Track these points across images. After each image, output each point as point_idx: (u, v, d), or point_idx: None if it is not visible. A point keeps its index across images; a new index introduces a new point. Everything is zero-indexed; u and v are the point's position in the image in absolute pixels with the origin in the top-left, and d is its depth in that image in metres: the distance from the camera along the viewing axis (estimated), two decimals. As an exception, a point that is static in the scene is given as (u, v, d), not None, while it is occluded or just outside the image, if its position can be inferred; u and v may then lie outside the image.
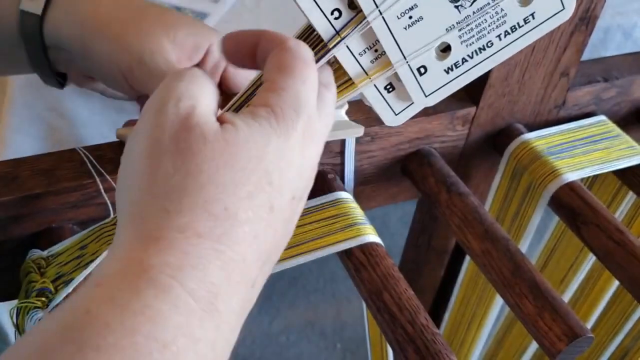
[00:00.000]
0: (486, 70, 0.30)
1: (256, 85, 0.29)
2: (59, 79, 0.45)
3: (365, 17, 0.27)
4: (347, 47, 0.28)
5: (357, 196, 0.56)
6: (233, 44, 0.29)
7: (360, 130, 0.47)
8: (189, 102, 0.24)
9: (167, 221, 0.22)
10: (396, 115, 0.31)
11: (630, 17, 0.90)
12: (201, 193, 0.23)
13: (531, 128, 0.59)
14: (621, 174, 0.57)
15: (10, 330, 0.39)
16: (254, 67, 0.29)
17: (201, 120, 0.24)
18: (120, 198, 0.25)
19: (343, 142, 0.51)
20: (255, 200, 0.24)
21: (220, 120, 0.25)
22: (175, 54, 0.40)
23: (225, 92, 0.43)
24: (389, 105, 0.31)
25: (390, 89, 0.30)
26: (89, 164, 0.44)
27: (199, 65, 0.42)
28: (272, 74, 0.26)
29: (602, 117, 0.61)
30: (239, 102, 0.29)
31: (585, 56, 0.58)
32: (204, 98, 0.25)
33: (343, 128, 0.46)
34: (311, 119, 0.26)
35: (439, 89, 0.30)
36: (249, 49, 0.28)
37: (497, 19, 0.28)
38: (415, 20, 0.27)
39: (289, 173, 0.25)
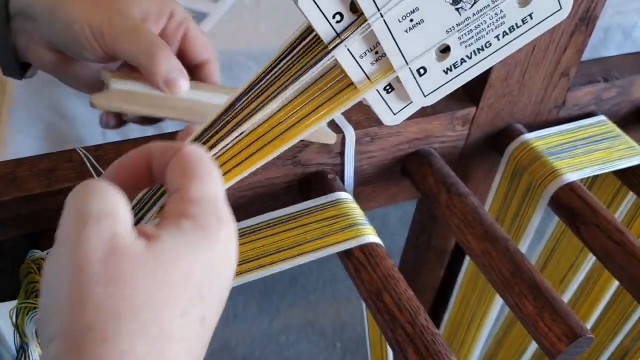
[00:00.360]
0: (484, 69, 0.30)
1: (157, 195, 0.29)
2: (20, 70, 0.45)
3: (366, 20, 0.27)
4: (349, 50, 0.28)
5: (357, 197, 0.56)
6: (125, 174, 0.28)
7: (332, 139, 0.48)
8: (109, 222, 0.23)
9: (107, 349, 0.22)
10: (395, 115, 0.31)
11: (630, 17, 0.90)
12: (138, 317, 0.22)
13: (531, 128, 0.59)
14: (621, 174, 0.57)
15: (8, 334, 0.39)
16: (149, 184, 0.29)
17: (128, 241, 0.23)
18: (46, 323, 0.23)
19: (343, 143, 0.51)
20: (189, 317, 0.24)
21: (145, 234, 0.24)
22: (141, 16, 0.42)
23: (182, 58, 0.44)
24: (388, 105, 0.31)
25: (390, 90, 0.30)
26: (88, 165, 0.44)
27: (164, 30, 0.43)
28: (180, 181, 0.26)
29: (603, 118, 0.61)
30: (141, 213, 0.29)
31: (586, 56, 0.58)
32: (121, 213, 0.24)
33: (316, 134, 0.46)
34: (229, 221, 0.26)
35: (438, 89, 0.30)
36: (143, 170, 0.28)
37: (497, 20, 0.28)
38: (417, 24, 0.27)
39: (218, 282, 0.25)
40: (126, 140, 0.48)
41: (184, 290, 0.24)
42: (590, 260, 0.64)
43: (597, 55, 0.88)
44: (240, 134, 0.30)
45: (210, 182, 0.26)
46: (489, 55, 0.29)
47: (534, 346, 0.74)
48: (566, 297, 0.69)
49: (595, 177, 0.64)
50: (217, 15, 0.81)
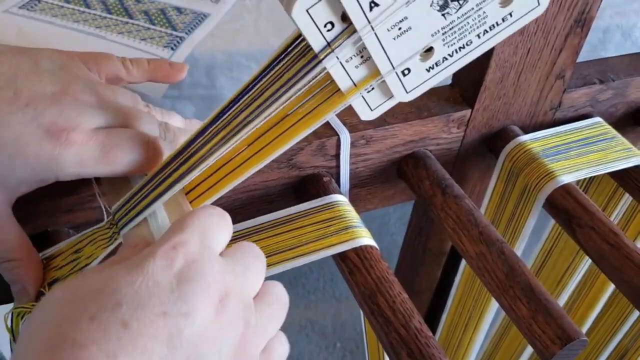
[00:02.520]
0: (464, 64, 0.31)
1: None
2: None
3: (355, 31, 0.27)
4: (337, 57, 0.28)
5: (353, 199, 0.57)
6: None
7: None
8: None
9: None
10: (372, 110, 0.32)
11: (629, 17, 0.90)
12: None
13: (527, 130, 0.59)
14: (617, 176, 0.57)
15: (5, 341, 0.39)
16: None
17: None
18: None
19: (338, 145, 0.51)
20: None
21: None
22: None
23: None
24: (366, 102, 0.31)
25: (370, 90, 0.31)
26: None
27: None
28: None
29: (598, 119, 0.61)
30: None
31: (584, 56, 0.58)
32: None
33: None
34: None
35: (419, 85, 0.31)
36: None
37: (479, 21, 0.29)
38: (404, 31, 0.28)
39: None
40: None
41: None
42: (587, 262, 0.65)
43: (596, 55, 0.88)
44: (228, 147, 0.30)
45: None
46: (469, 52, 0.31)
47: (530, 349, 0.75)
48: (563, 299, 0.69)
49: (591, 179, 0.64)
50: (217, 15, 0.82)
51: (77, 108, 0.34)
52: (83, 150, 0.33)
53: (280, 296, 0.30)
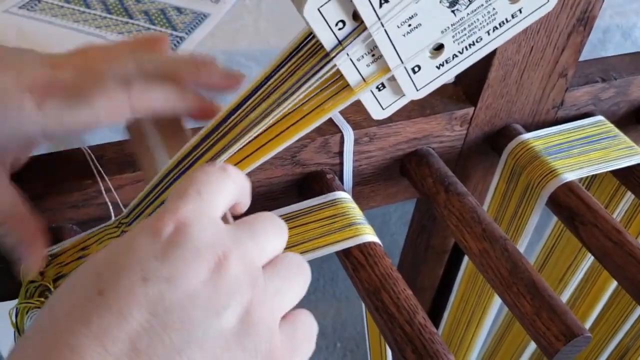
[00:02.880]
0: (474, 61, 0.31)
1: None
2: None
3: (366, 29, 0.27)
4: (348, 54, 0.28)
5: (356, 196, 0.57)
6: None
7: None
8: None
9: None
10: (384, 109, 0.32)
11: (629, 17, 0.90)
12: None
13: (529, 128, 0.59)
14: (619, 174, 0.57)
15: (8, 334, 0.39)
16: None
17: None
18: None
19: (342, 142, 0.51)
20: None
21: None
22: None
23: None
24: (378, 101, 0.32)
25: (382, 88, 0.31)
26: (91, 164, 0.44)
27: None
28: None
29: (600, 118, 0.61)
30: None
31: (585, 56, 0.58)
32: None
33: None
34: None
35: (430, 82, 0.31)
36: None
37: (489, 17, 0.29)
38: (414, 27, 0.28)
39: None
40: (127, 140, 0.48)
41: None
42: (589, 259, 0.65)
43: (596, 55, 0.89)
44: (242, 143, 0.31)
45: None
46: (479, 49, 0.31)
47: (532, 345, 0.75)
48: (565, 296, 0.70)
49: (593, 177, 0.64)
50: (217, 15, 0.82)
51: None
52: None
53: (298, 262, 0.28)
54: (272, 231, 0.28)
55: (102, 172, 0.44)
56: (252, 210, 0.52)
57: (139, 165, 0.39)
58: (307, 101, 0.30)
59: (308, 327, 0.27)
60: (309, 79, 0.29)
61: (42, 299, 0.39)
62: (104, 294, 0.23)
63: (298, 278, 0.27)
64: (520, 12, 0.29)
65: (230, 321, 0.24)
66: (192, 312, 0.23)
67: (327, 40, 0.28)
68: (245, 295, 0.24)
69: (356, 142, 0.52)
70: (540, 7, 0.30)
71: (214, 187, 0.26)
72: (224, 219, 0.27)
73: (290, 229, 0.47)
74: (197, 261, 0.24)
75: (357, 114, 0.52)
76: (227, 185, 0.27)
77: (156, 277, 0.23)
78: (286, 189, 0.53)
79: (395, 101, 0.32)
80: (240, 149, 0.31)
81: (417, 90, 0.31)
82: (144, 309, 0.22)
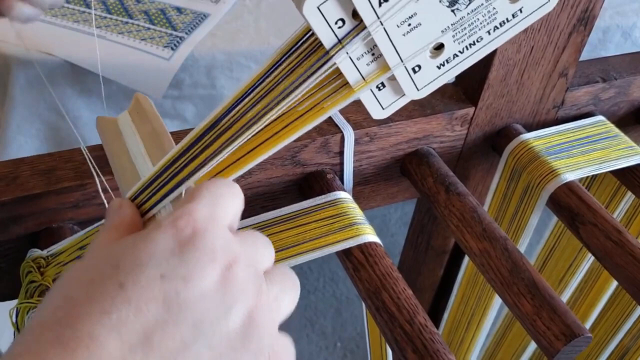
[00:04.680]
0: (475, 61, 0.31)
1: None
2: None
3: (366, 27, 0.27)
4: (347, 53, 0.28)
5: (357, 196, 0.57)
6: None
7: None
8: None
9: None
10: (384, 109, 0.32)
11: (629, 17, 0.90)
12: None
13: (530, 128, 0.59)
14: (620, 174, 0.57)
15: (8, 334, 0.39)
16: None
17: None
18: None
19: (342, 142, 0.51)
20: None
21: None
22: None
23: None
24: (377, 100, 0.31)
25: (382, 87, 0.31)
26: (90, 164, 0.44)
27: None
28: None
29: (601, 117, 0.61)
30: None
31: (585, 56, 0.58)
32: None
33: None
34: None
35: (430, 82, 0.31)
36: None
37: (489, 17, 0.29)
38: (414, 27, 0.28)
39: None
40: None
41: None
42: (589, 259, 0.65)
43: (596, 55, 0.89)
44: (241, 142, 0.31)
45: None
46: (480, 49, 0.31)
47: (533, 345, 0.75)
48: (565, 296, 0.70)
49: (594, 177, 0.64)
50: (217, 15, 0.82)
51: None
52: None
53: (291, 275, 0.30)
54: (265, 245, 0.30)
55: (98, 172, 0.44)
56: (252, 210, 0.53)
57: (112, 166, 0.39)
58: (306, 99, 0.30)
59: (288, 347, 0.30)
60: (308, 78, 0.29)
61: (42, 299, 0.39)
62: (123, 288, 0.24)
63: (292, 289, 0.30)
64: (521, 11, 0.29)
65: (236, 321, 0.25)
66: (203, 311, 0.24)
67: (327, 38, 0.28)
68: (250, 299, 0.26)
69: (357, 142, 0.52)
70: (540, 7, 0.30)
71: (226, 199, 0.28)
72: (230, 229, 0.29)
73: (290, 229, 0.48)
74: (211, 263, 0.25)
75: (357, 114, 0.52)
76: (235, 198, 0.29)
77: (174, 275, 0.25)
78: (286, 189, 0.52)
79: (396, 101, 0.32)
80: (239, 147, 0.31)
81: (418, 90, 0.31)
82: (159, 304, 0.24)
